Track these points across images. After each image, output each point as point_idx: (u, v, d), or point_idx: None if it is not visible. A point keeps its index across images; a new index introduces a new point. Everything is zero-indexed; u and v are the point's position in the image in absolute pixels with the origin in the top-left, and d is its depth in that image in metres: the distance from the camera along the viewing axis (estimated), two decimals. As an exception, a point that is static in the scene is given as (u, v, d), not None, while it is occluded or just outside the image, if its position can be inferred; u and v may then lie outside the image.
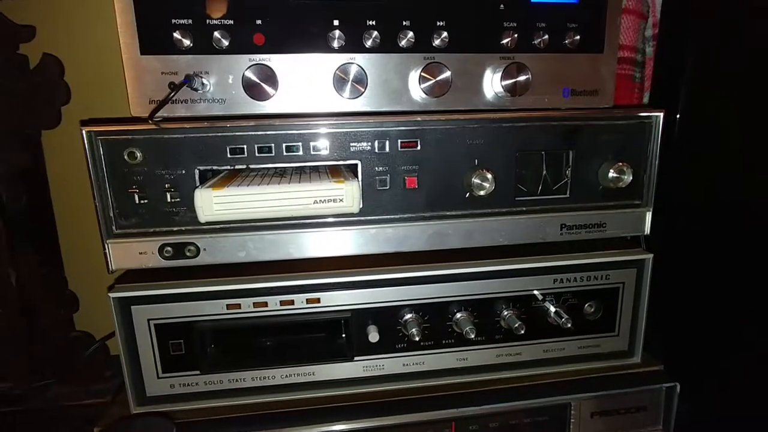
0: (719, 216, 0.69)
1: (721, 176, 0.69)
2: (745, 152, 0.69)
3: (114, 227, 0.52)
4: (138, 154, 0.51)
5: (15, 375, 0.72)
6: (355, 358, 0.58)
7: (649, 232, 0.61)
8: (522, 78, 0.54)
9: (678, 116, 0.72)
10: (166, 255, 0.53)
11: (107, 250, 0.52)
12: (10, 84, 0.66)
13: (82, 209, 0.77)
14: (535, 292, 0.60)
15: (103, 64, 0.72)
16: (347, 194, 0.47)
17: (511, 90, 0.55)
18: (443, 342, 0.59)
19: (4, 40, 0.67)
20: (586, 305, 0.61)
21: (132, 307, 0.54)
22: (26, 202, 0.71)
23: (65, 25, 0.71)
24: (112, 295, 0.53)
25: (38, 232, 0.74)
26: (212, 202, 0.45)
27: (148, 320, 0.54)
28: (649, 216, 0.60)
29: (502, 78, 0.54)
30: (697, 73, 0.73)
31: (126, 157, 0.50)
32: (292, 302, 0.56)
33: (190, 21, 0.50)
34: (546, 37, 0.55)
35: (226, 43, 0.50)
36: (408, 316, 0.58)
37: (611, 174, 0.57)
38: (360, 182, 0.52)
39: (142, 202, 0.52)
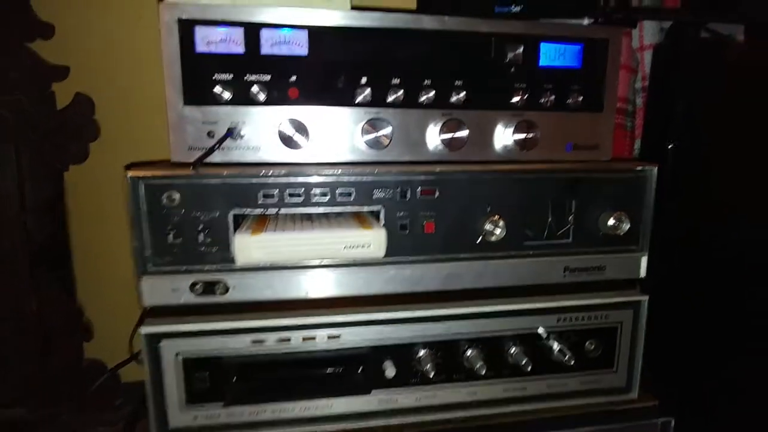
0: (706, 258, 0.75)
1: (708, 220, 0.75)
2: (731, 197, 0.75)
3: (149, 265, 0.55)
4: (176, 197, 0.54)
5: (29, 402, 0.72)
6: (372, 392, 0.61)
7: (644, 275, 0.66)
8: (531, 134, 0.59)
9: (667, 164, 0.78)
10: (197, 292, 0.56)
11: (141, 287, 0.55)
12: (42, 120, 0.69)
13: (100, 240, 0.80)
14: (540, 330, 0.64)
15: (133, 103, 0.76)
16: (375, 241, 0.51)
17: (521, 144, 0.60)
18: (454, 377, 0.63)
19: (37, 79, 0.70)
20: (587, 343, 0.66)
21: (161, 341, 0.56)
22: (49, 233, 0.73)
23: (100, 64, 0.75)
24: (143, 330, 0.55)
25: (58, 262, 0.76)
26: (251, 248, 0.49)
27: (176, 354, 0.57)
28: (644, 260, 0.65)
29: (514, 133, 0.59)
30: (684, 123, 0.80)
31: (165, 200, 0.54)
32: (314, 338, 0.58)
33: (231, 76, 0.54)
34: (552, 97, 0.61)
35: (263, 96, 0.54)
36: (422, 352, 0.61)
37: (610, 222, 0.62)
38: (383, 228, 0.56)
39: (176, 241, 0.55)
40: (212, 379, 0.58)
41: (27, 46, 0.69)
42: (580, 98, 0.62)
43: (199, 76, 0.53)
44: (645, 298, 0.65)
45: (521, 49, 0.59)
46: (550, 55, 0.60)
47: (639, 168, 0.63)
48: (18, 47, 0.68)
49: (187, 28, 0.52)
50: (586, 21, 0.63)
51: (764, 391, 0.71)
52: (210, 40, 0.53)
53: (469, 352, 0.62)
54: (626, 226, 0.62)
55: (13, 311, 0.70)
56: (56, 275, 0.74)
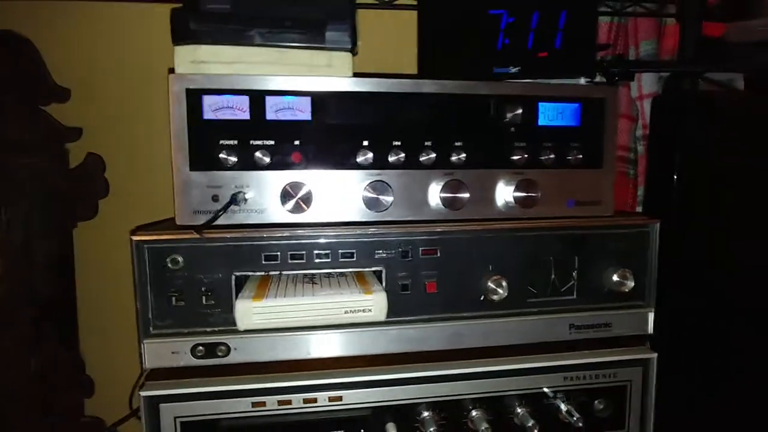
0: (714, 309, 0.73)
1: (715, 269, 0.74)
2: (738, 244, 0.74)
3: (151, 328, 0.55)
4: (180, 260, 0.54)
5: (26, 463, 0.71)
6: (374, 457, 0.59)
7: (652, 332, 0.65)
8: (532, 192, 0.60)
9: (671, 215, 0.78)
10: (198, 354, 0.56)
11: (143, 350, 0.55)
12: (54, 181, 0.71)
13: (104, 296, 0.80)
14: (545, 389, 0.62)
15: (142, 161, 0.78)
16: (375, 305, 0.51)
17: (523, 203, 0.60)
18: (459, 439, 0.61)
19: (51, 140, 0.72)
20: (596, 402, 0.64)
21: (160, 405, 0.55)
22: (55, 288, 0.74)
23: (112, 125, 0.77)
24: (142, 393, 0.55)
25: (63, 317, 0.76)
26: (251, 313, 0.49)
27: (175, 418, 0.56)
28: (651, 316, 0.64)
29: (514, 191, 0.60)
30: (685, 173, 0.80)
31: (169, 263, 0.54)
32: (315, 400, 0.58)
33: (236, 141, 0.55)
34: (552, 155, 0.61)
35: (267, 160, 0.56)
36: (426, 413, 0.59)
37: (615, 278, 0.61)
38: (385, 289, 0.56)
39: (179, 304, 0.55)
40: (211, 443, 0.57)
41: (43, 110, 0.71)
42: (580, 156, 0.62)
43: (206, 142, 0.55)
44: (654, 356, 0.64)
45: (520, 110, 0.60)
46: (549, 114, 0.62)
47: (641, 222, 0.63)
48: (35, 112, 0.70)
49: (195, 96, 0.54)
50: (582, 80, 0.64)
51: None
52: (217, 107, 0.55)
53: (473, 413, 0.60)
54: (631, 284, 0.61)
55: (14, 366, 0.70)
56: (60, 331, 0.75)
